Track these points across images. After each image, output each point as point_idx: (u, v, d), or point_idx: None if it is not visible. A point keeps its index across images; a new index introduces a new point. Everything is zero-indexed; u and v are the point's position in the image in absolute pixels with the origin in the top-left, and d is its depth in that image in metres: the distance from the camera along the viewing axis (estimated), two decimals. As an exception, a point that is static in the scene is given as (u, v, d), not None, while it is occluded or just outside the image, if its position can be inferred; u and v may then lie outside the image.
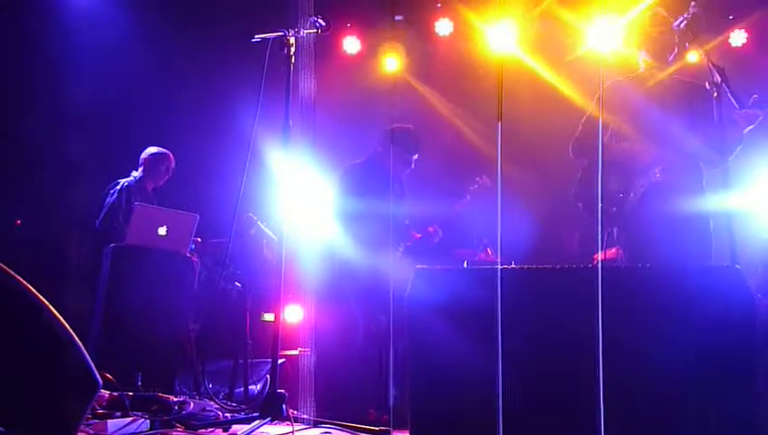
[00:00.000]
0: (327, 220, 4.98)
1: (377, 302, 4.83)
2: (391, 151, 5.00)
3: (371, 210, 4.78)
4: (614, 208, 3.86)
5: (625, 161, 3.88)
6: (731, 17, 6.26)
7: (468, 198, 5.45)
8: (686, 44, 3.98)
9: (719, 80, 3.62)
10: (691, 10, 3.88)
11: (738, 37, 6.27)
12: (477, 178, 5.47)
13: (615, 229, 3.96)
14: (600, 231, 3.87)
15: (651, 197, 3.81)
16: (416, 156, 5.07)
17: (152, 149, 5.53)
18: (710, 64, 3.66)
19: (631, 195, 3.84)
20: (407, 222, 5.22)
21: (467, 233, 5.82)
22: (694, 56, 4.79)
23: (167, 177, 5.56)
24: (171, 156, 5.54)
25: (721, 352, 2.74)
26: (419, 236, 5.26)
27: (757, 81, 4.23)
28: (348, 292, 4.88)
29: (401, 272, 4.84)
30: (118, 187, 5.32)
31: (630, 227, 3.85)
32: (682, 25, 3.84)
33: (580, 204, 4.02)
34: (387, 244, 4.95)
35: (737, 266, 2.97)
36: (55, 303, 2.62)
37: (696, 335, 2.74)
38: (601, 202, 3.83)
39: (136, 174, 5.47)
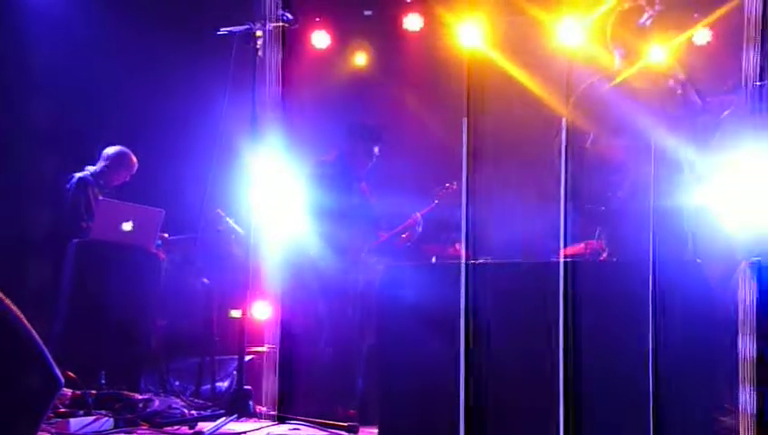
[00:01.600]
0: (295, 216, 4.96)
1: (344, 298, 4.83)
2: (354, 146, 5.03)
3: (338, 208, 4.78)
4: (602, 208, 3.90)
5: (609, 161, 3.91)
6: (696, 15, 6.33)
7: (436, 201, 5.45)
8: (652, 42, 4.01)
9: (683, 77, 3.66)
10: (657, 8, 3.92)
11: (703, 35, 6.34)
12: (447, 184, 5.48)
13: (599, 228, 4.00)
14: (564, 226, 3.88)
15: (635, 194, 3.83)
16: (377, 148, 5.08)
17: (118, 149, 5.40)
18: (675, 62, 3.70)
19: (619, 193, 3.87)
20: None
21: (435, 229, 5.82)
22: (659, 54, 4.85)
23: (125, 180, 5.42)
24: (134, 160, 5.42)
25: (683, 342, 2.79)
26: (387, 236, 5.27)
27: (721, 78, 4.27)
28: (315, 288, 4.87)
29: (370, 269, 4.85)
30: (74, 180, 5.22)
31: (615, 225, 3.89)
32: (648, 23, 3.88)
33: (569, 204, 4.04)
34: (354, 241, 4.95)
35: (698, 261, 3.02)
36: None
37: (659, 327, 2.78)
38: (588, 204, 3.85)
39: (91, 169, 5.34)
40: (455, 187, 5.40)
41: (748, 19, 3.59)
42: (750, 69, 3.53)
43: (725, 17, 6.06)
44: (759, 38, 3.56)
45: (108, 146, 5.49)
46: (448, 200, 5.38)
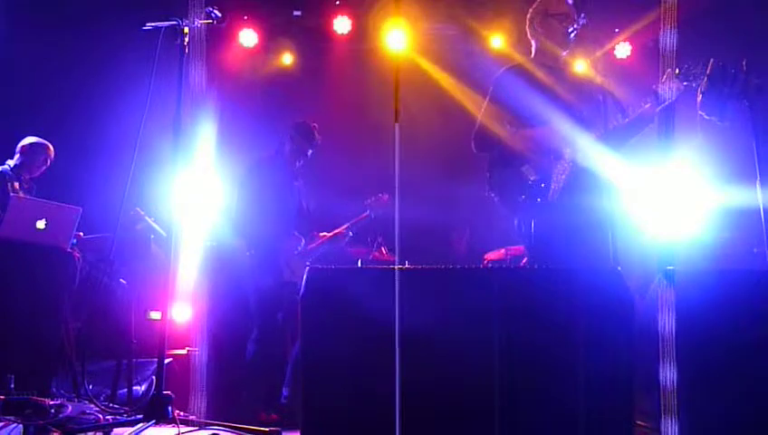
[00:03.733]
0: (217, 215, 4.88)
1: (276, 302, 4.78)
2: (293, 144, 5.01)
3: (275, 206, 4.75)
4: (539, 199, 3.82)
5: (534, 149, 3.83)
6: (616, 30, 6.56)
7: (367, 212, 5.46)
8: (575, 54, 4.09)
9: (606, 88, 3.76)
10: (581, 21, 4.00)
11: (623, 49, 6.59)
12: (379, 195, 5.49)
13: (517, 220, 3.90)
14: (518, 223, 3.81)
15: (567, 190, 3.76)
16: (311, 151, 5.09)
17: (31, 139, 5.34)
18: (597, 74, 3.79)
19: (553, 185, 3.80)
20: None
21: (361, 231, 5.83)
22: (581, 66, 4.98)
23: (44, 168, 5.37)
24: (51, 147, 5.36)
25: (604, 347, 2.87)
26: (325, 237, 5.24)
27: (640, 91, 4.42)
28: (246, 288, 4.81)
29: (300, 270, 4.81)
30: (-8, 174, 5.05)
31: (545, 222, 3.76)
32: (572, 36, 3.96)
33: (494, 196, 3.97)
34: (284, 239, 4.91)
35: (618, 269, 3.11)
36: None
37: (582, 334, 2.86)
38: (522, 195, 3.79)
39: (11, 162, 5.25)
40: (385, 197, 5.43)
41: (664, 33, 3.71)
42: (667, 83, 3.64)
43: (644, 32, 6.32)
44: (674, 53, 3.69)
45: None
46: (379, 210, 5.42)
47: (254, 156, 5.15)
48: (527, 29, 4.05)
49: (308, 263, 4.97)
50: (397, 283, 2.65)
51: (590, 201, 3.71)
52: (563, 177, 3.78)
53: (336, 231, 5.31)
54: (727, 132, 3.78)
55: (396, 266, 2.75)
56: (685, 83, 3.52)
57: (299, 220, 5.07)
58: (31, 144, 5.30)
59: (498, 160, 3.90)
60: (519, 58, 4.20)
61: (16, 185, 5.18)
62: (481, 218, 6.06)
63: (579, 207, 3.71)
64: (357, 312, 2.96)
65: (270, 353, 4.72)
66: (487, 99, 4.01)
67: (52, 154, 5.37)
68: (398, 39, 6.07)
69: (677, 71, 3.53)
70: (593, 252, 3.66)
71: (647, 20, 6.07)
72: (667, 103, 3.56)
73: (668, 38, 3.66)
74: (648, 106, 3.65)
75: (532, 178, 3.80)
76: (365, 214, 5.46)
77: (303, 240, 5.06)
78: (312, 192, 5.30)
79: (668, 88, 3.51)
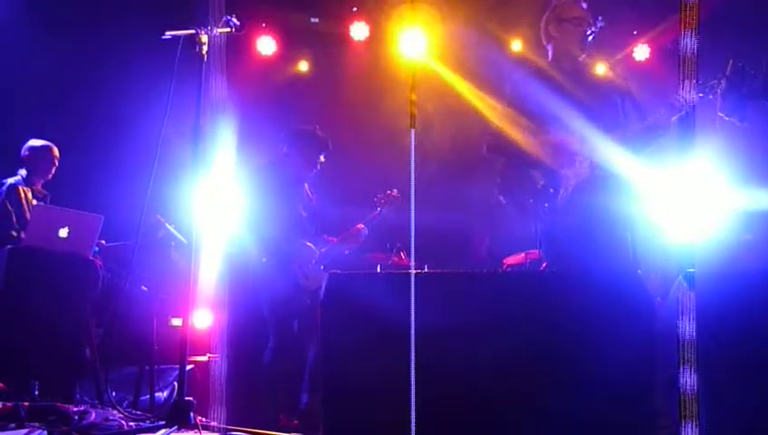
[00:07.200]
0: (237, 222, 4.90)
1: (289, 306, 4.78)
2: (298, 152, 4.99)
3: (277, 213, 4.75)
4: (546, 204, 3.83)
5: (549, 153, 3.83)
6: (635, 32, 6.54)
7: (379, 209, 5.40)
8: (593, 57, 4.09)
9: (626, 90, 3.75)
10: (598, 24, 4.00)
11: (642, 51, 6.56)
12: (388, 191, 5.44)
13: (537, 225, 3.91)
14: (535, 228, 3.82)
15: (583, 192, 3.78)
16: (322, 157, 5.05)
17: (32, 143, 5.31)
18: (617, 76, 3.78)
19: (561, 190, 3.81)
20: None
21: (380, 237, 5.83)
22: (601, 68, 4.96)
23: (53, 169, 5.35)
24: (53, 146, 5.33)
25: (624, 352, 2.84)
26: (336, 240, 5.21)
27: (659, 93, 4.40)
28: (260, 296, 4.82)
29: (315, 277, 4.81)
30: (4, 187, 5.09)
31: (560, 224, 3.78)
32: (590, 39, 3.96)
33: (501, 198, 3.97)
34: (300, 248, 4.91)
35: (639, 272, 3.09)
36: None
37: (601, 337, 2.84)
38: (531, 198, 3.79)
39: (23, 172, 5.26)
40: (395, 193, 5.39)
41: (683, 35, 3.68)
42: (686, 88, 3.61)
43: (663, 33, 6.29)
44: (694, 54, 3.66)
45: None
46: (390, 207, 5.36)
47: (257, 163, 5.14)
48: (542, 34, 4.06)
49: (322, 266, 4.97)
50: (412, 287, 2.65)
51: (606, 202, 3.70)
52: (574, 182, 3.78)
53: (345, 234, 5.24)
54: (747, 133, 3.74)
55: (411, 271, 2.75)
56: (700, 95, 3.51)
57: (307, 227, 5.03)
58: (31, 151, 5.27)
59: (510, 163, 3.92)
60: (537, 61, 4.20)
61: (30, 195, 5.21)
62: (501, 223, 6.05)
63: (592, 208, 3.70)
64: (376, 317, 2.97)
65: (287, 362, 4.71)
66: (504, 102, 4.02)
67: (57, 153, 5.33)
68: (414, 44, 6.08)
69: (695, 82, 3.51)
70: (611, 254, 3.65)
71: (666, 22, 6.04)
72: (683, 113, 3.54)
73: (688, 40, 3.63)
74: (662, 114, 3.63)
75: (541, 183, 3.81)
76: (376, 212, 5.39)
77: (318, 252, 5.02)
78: (326, 197, 5.28)
79: (686, 98, 3.49)
